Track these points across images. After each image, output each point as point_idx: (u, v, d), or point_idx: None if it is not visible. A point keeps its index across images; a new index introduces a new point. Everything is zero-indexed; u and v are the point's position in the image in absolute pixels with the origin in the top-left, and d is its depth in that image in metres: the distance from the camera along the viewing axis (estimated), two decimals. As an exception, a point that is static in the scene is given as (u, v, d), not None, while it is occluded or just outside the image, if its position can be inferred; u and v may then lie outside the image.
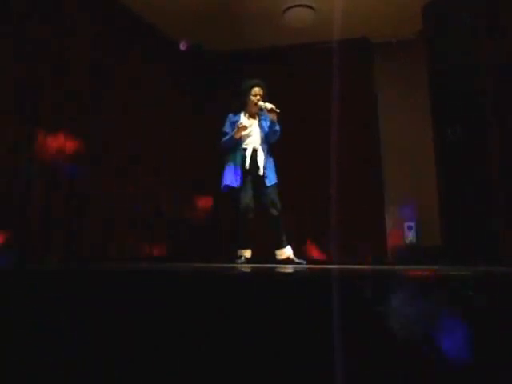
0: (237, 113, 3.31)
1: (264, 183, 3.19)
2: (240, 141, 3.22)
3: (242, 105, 3.31)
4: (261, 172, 3.19)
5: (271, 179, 3.22)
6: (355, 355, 1.18)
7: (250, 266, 2.73)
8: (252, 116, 3.30)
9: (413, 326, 1.18)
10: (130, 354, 1.34)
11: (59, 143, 3.54)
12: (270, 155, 3.31)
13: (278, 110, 3.16)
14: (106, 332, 1.38)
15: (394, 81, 4.99)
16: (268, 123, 3.26)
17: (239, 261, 3.13)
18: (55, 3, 3.62)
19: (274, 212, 3.16)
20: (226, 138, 3.24)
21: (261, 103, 3.21)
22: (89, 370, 1.35)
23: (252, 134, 3.25)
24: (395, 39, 5.03)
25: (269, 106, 3.17)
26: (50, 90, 3.50)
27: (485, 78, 3.32)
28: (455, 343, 1.10)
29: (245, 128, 3.18)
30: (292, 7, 4.50)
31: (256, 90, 3.27)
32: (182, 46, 4.83)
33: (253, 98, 3.25)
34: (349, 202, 4.45)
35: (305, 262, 3.15)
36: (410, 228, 4.77)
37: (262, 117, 3.31)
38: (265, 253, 3.19)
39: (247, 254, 3.17)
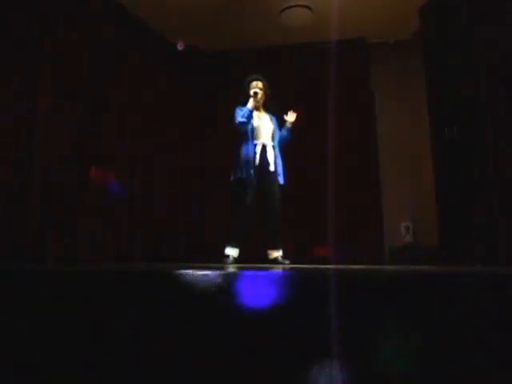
0: (244, 106, 3.31)
1: (272, 180, 3.20)
2: (253, 132, 3.23)
3: (247, 100, 3.31)
4: (271, 168, 3.22)
5: (282, 179, 3.25)
6: (353, 355, 1.19)
7: (238, 265, 2.71)
8: (256, 109, 3.32)
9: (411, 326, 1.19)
10: (128, 354, 1.34)
11: (57, 143, 3.53)
12: (281, 155, 3.33)
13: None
14: (104, 332, 1.38)
15: (391, 81, 5.00)
16: (276, 122, 3.35)
17: (228, 260, 3.12)
18: (55, 3, 3.61)
19: (276, 212, 3.18)
20: (243, 111, 3.20)
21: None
22: (88, 371, 1.35)
23: (263, 129, 3.28)
24: (392, 39, 5.05)
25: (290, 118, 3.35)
26: (48, 90, 3.49)
27: (482, 77, 3.34)
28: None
29: (257, 95, 3.24)
30: (289, 7, 4.51)
31: (253, 83, 3.34)
32: (180, 47, 4.87)
33: (251, 90, 3.29)
34: (346, 201, 4.45)
35: (287, 262, 3.15)
36: (407, 228, 4.78)
37: (270, 115, 3.37)
38: (248, 252, 3.18)
39: (235, 253, 3.16)
